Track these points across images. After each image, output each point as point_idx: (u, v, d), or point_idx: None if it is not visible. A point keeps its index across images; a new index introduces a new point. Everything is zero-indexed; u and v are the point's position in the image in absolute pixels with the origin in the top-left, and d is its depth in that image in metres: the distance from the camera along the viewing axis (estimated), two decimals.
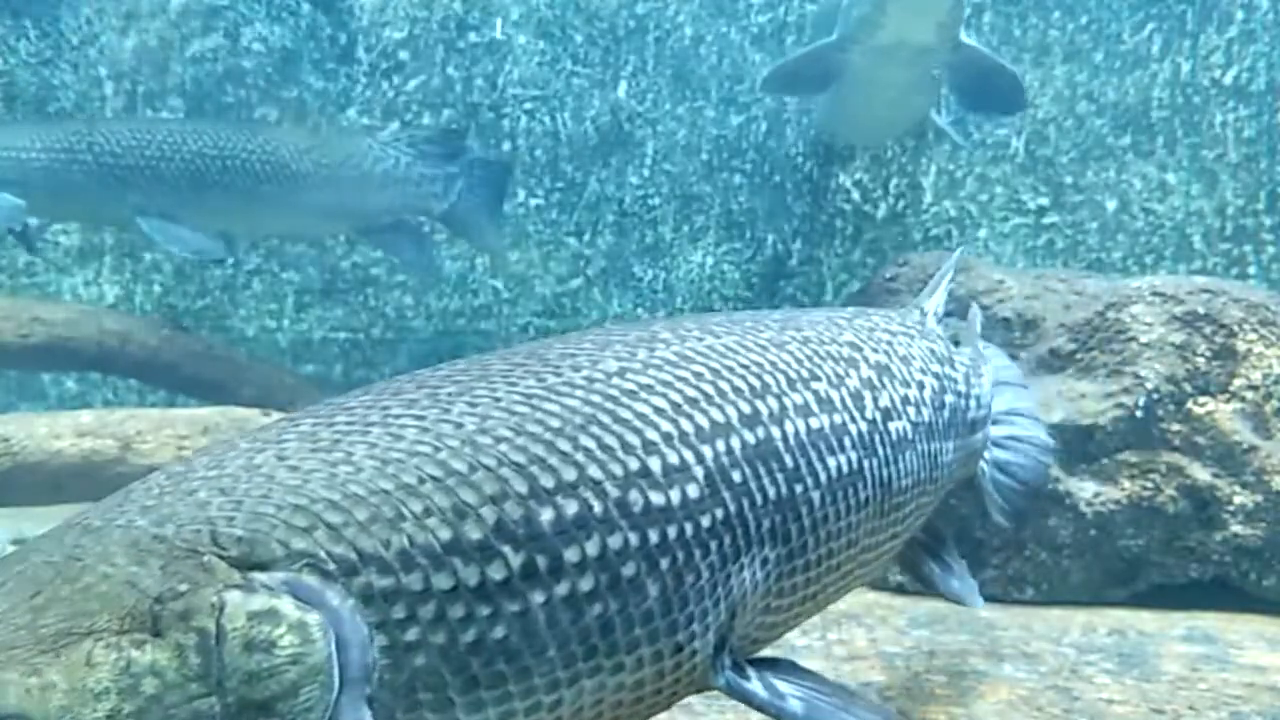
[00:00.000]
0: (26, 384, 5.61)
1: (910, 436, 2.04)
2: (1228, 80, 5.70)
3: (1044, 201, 5.76)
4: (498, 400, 1.51)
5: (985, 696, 2.72)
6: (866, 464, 1.89)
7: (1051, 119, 5.75)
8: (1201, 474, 3.73)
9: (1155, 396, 3.80)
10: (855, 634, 3.20)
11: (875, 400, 1.97)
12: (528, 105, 5.76)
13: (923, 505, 2.15)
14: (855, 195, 5.82)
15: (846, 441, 1.86)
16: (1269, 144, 5.69)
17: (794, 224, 5.82)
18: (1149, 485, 3.72)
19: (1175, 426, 3.79)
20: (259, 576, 1.25)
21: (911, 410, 2.07)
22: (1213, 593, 3.69)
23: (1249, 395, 3.84)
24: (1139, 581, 3.73)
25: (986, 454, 2.59)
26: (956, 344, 2.57)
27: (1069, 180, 5.76)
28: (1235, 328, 3.91)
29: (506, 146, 5.76)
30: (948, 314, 2.69)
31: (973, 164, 5.76)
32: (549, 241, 5.77)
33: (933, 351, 2.30)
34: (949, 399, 2.25)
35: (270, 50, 5.68)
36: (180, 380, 5.05)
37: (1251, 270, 5.68)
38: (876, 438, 1.93)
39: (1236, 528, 3.69)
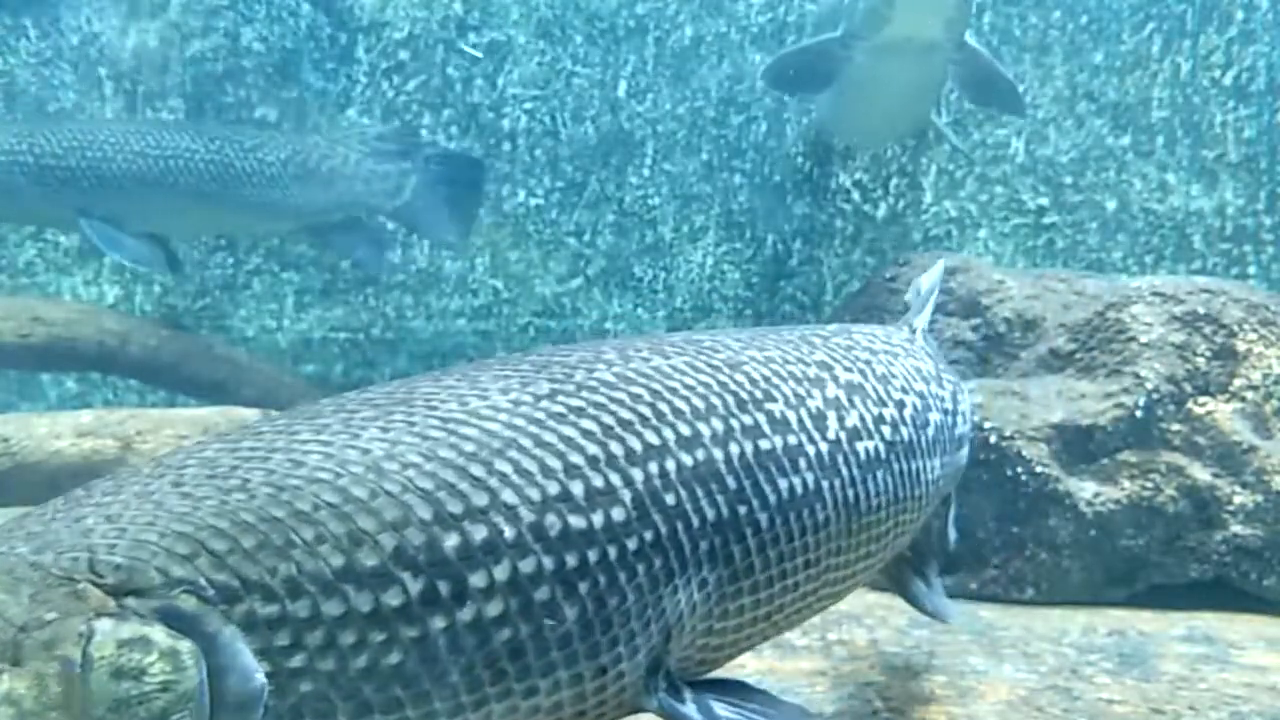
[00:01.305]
0: (26, 384, 5.61)
1: (884, 456, 2.04)
2: (1228, 80, 5.70)
3: (1044, 201, 5.76)
4: (412, 425, 1.52)
5: (985, 696, 2.72)
6: (827, 485, 1.89)
7: (1051, 119, 5.75)
8: (1201, 474, 3.73)
9: (1155, 396, 3.80)
10: (856, 634, 3.20)
11: (841, 420, 1.97)
12: (528, 105, 5.76)
13: (903, 524, 2.15)
14: (855, 195, 5.82)
15: (802, 462, 1.85)
16: (1269, 144, 5.69)
17: (794, 224, 5.82)
18: (1149, 485, 3.72)
19: (1175, 426, 3.79)
20: (133, 604, 1.26)
21: (887, 429, 2.07)
22: (1213, 593, 3.69)
23: (1249, 395, 3.84)
24: (1139, 581, 3.73)
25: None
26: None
27: (1069, 180, 5.76)
28: (1235, 328, 3.91)
29: (506, 147, 5.76)
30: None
31: (973, 164, 5.76)
32: (549, 241, 5.77)
33: (918, 370, 2.30)
34: (934, 417, 2.25)
35: (270, 50, 5.68)
36: (180, 380, 5.05)
37: (1251, 270, 5.68)
38: (840, 458, 1.93)
39: (1236, 528, 3.69)
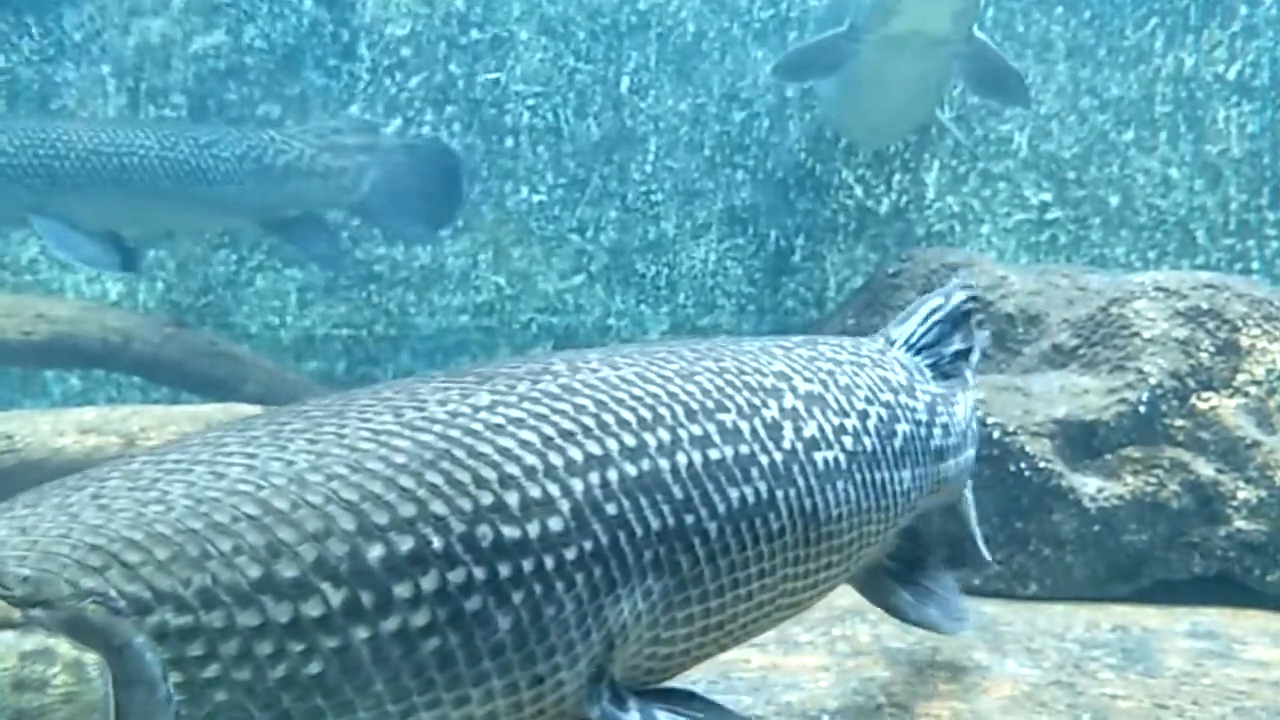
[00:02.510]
0: (30, 381, 5.61)
1: (846, 466, 2.05)
2: (1231, 75, 5.70)
3: (1047, 197, 5.76)
4: (342, 438, 1.53)
5: (989, 692, 2.72)
6: (781, 494, 1.90)
7: (1054, 114, 5.74)
8: (1205, 469, 3.73)
9: (1159, 392, 3.80)
10: (859, 629, 3.20)
11: (798, 430, 1.98)
12: (530, 101, 5.76)
13: (869, 534, 2.15)
14: (858, 191, 5.81)
15: (755, 472, 1.86)
16: (1272, 139, 5.69)
17: (797, 220, 5.82)
18: (1152, 481, 3.72)
19: (1179, 422, 3.79)
20: (39, 615, 1.27)
21: (848, 440, 2.08)
22: (1216, 588, 3.69)
23: (1252, 390, 3.84)
24: (1142, 577, 3.73)
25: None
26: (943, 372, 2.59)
27: (1072, 176, 5.75)
28: (1239, 323, 3.91)
29: (509, 143, 5.76)
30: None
31: (975, 160, 5.75)
32: (551, 238, 5.77)
33: (886, 381, 2.31)
34: (902, 428, 2.26)
35: (272, 47, 5.68)
36: (183, 377, 5.05)
37: (1255, 265, 5.67)
38: (796, 468, 1.94)
39: (1240, 523, 3.69)
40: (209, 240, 5.65)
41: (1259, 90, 5.70)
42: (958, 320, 2.71)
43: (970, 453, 2.62)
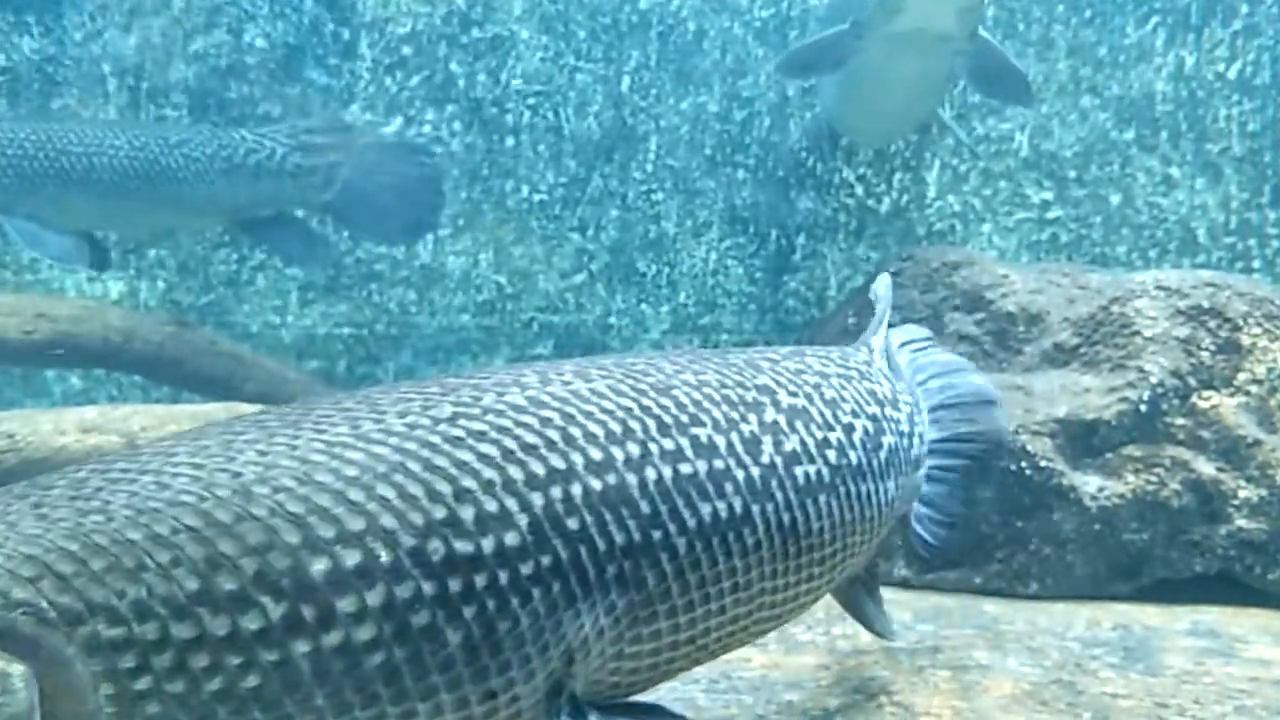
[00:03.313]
0: (31, 381, 5.62)
1: (829, 480, 2.04)
2: (1232, 74, 5.70)
3: (1048, 196, 5.76)
4: (293, 449, 1.52)
5: (990, 691, 2.72)
6: (758, 509, 1.88)
7: (1055, 113, 5.74)
8: (1206, 468, 3.73)
9: (1159, 390, 3.80)
10: (860, 629, 3.20)
11: (778, 445, 1.96)
12: (531, 101, 5.76)
13: (853, 546, 2.14)
14: (859, 190, 5.81)
15: (729, 487, 1.84)
16: (1273, 138, 5.68)
17: (798, 219, 5.81)
18: (1153, 479, 3.72)
19: (1179, 421, 3.79)
20: None
21: (832, 453, 2.06)
22: (1217, 587, 3.69)
23: (1253, 389, 3.84)
24: (1143, 576, 3.73)
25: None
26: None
27: (1073, 175, 5.75)
28: (1240, 322, 3.91)
29: (510, 142, 5.76)
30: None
31: (976, 159, 5.75)
32: (552, 237, 5.77)
33: (872, 393, 2.31)
34: (887, 440, 2.25)
35: (273, 46, 5.68)
36: (185, 376, 5.06)
37: (1256, 264, 5.67)
38: (775, 482, 1.92)
39: (1241, 522, 3.69)
40: (210, 239, 5.65)
41: (1260, 89, 5.69)
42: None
43: (926, 463, 2.60)
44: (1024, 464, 3.71)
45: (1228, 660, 3.03)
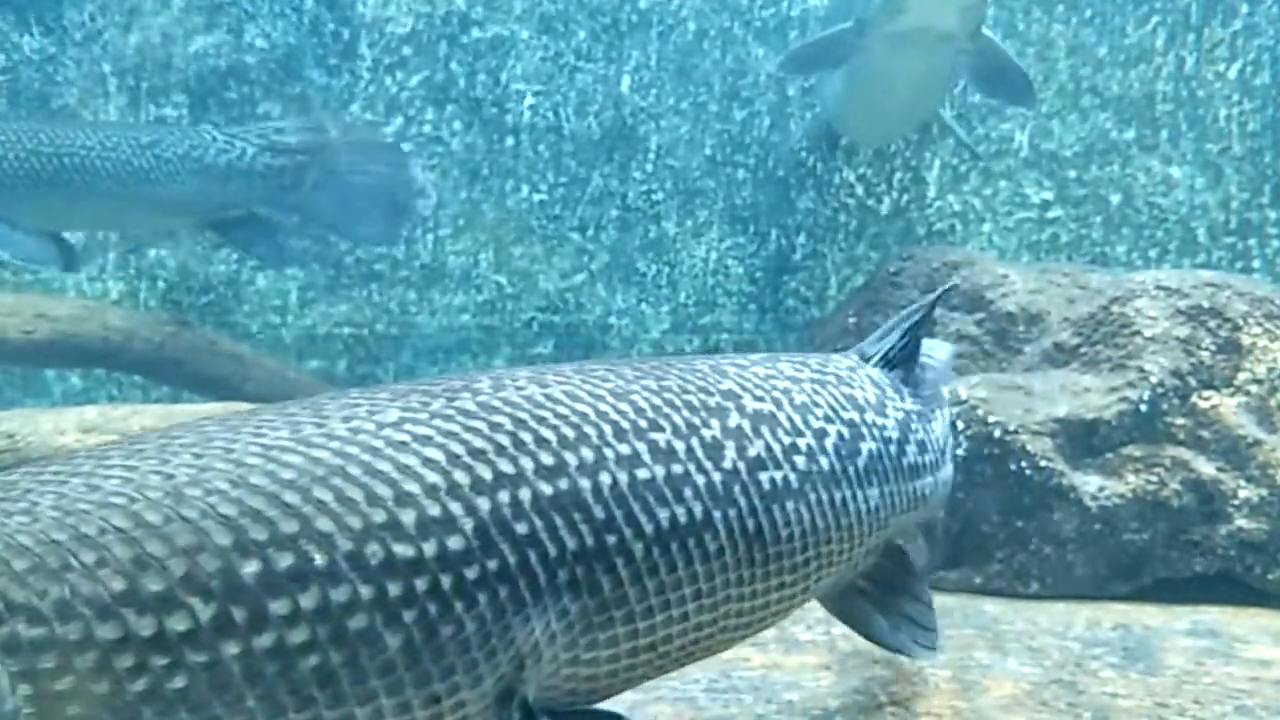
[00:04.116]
0: (31, 380, 5.62)
1: (797, 486, 2.02)
2: (1232, 74, 5.70)
3: (1048, 196, 5.76)
4: (229, 452, 1.51)
5: (990, 691, 2.72)
6: (720, 515, 1.87)
7: (1055, 113, 5.74)
8: (1206, 468, 3.73)
9: (1160, 390, 3.80)
10: None
11: (742, 449, 1.95)
12: (531, 101, 5.76)
13: (830, 555, 2.11)
14: (859, 190, 5.81)
15: (689, 492, 1.83)
16: (1273, 138, 5.68)
17: (798, 219, 5.82)
18: (1153, 479, 3.72)
19: (1180, 420, 3.79)
20: None
21: (801, 459, 2.04)
22: (1218, 587, 3.69)
23: (1254, 389, 3.84)
24: (1143, 575, 3.73)
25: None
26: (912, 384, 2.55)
27: (1073, 175, 5.75)
28: (1240, 321, 3.91)
29: (510, 142, 5.76)
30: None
31: (978, 159, 5.75)
32: (552, 236, 5.77)
33: (851, 398, 2.28)
34: (868, 446, 2.22)
35: (273, 46, 5.68)
36: (184, 376, 5.06)
37: (1256, 264, 5.67)
38: (737, 487, 1.91)
39: (1241, 521, 3.69)
40: (210, 239, 5.66)
41: (1260, 89, 5.70)
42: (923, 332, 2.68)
43: (949, 469, 2.58)
44: (1024, 464, 3.71)
45: (1228, 660, 3.03)
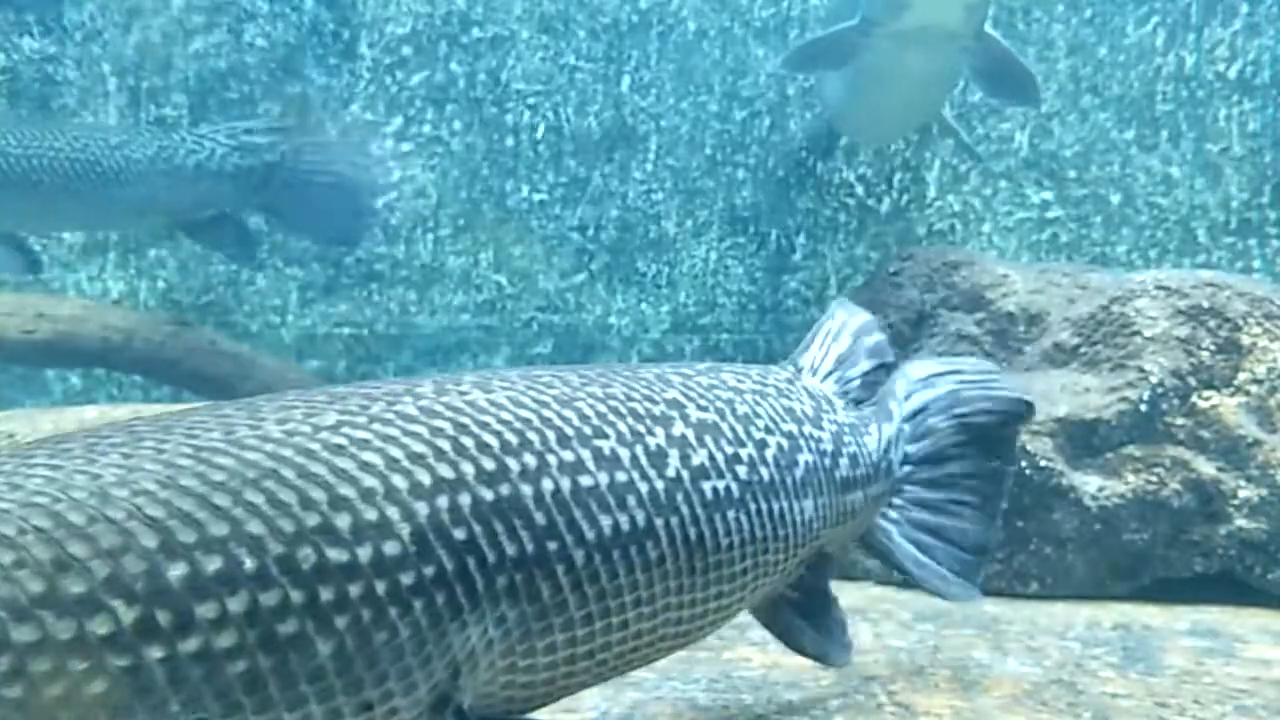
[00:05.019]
0: (31, 380, 5.62)
1: (739, 496, 2.01)
2: (1232, 74, 5.70)
3: (1048, 196, 5.76)
4: (159, 453, 1.48)
5: (990, 691, 2.72)
6: (662, 522, 1.86)
7: (1055, 113, 5.74)
8: (1206, 468, 3.73)
9: (1160, 390, 3.80)
10: (860, 628, 3.20)
11: (685, 458, 1.94)
12: (531, 100, 5.76)
13: (766, 564, 2.12)
14: (859, 190, 5.82)
15: (631, 500, 1.82)
16: (1273, 137, 5.69)
17: (797, 219, 5.82)
18: (1153, 479, 3.72)
19: (1180, 420, 3.79)
20: None
21: (742, 469, 2.04)
22: (1218, 586, 3.69)
23: (1254, 389, 3.84)
24: (1143, 575, 3.73)
25: (891, 513, 2.58)
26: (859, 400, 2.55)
27: (1073, 174, 5.75)
28: (1240, 321, 3.91)
29: (510, 142, 5.76)
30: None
31: (979, 159, 5.75)
32: (552, 236, 5.77)
33: (790, 410, 2.28)
34: (804, 458, 2.23)
35: (273, 46, 5.68)
36: (184, 376, 5.06)
37: (1256, 264, 5.67)
38: (680, 496, 1.90)
39: (1241, 521, 3.69)
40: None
41: (1260, 88, 5.70)
42: (861, 340, 2.65)
43: (882, 485, 2.55)
44: (1024, 464, 3.72)
45: (1228, 660, 3.03)
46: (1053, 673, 2.86)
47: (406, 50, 5.72)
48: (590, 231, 5.78)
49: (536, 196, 5.77)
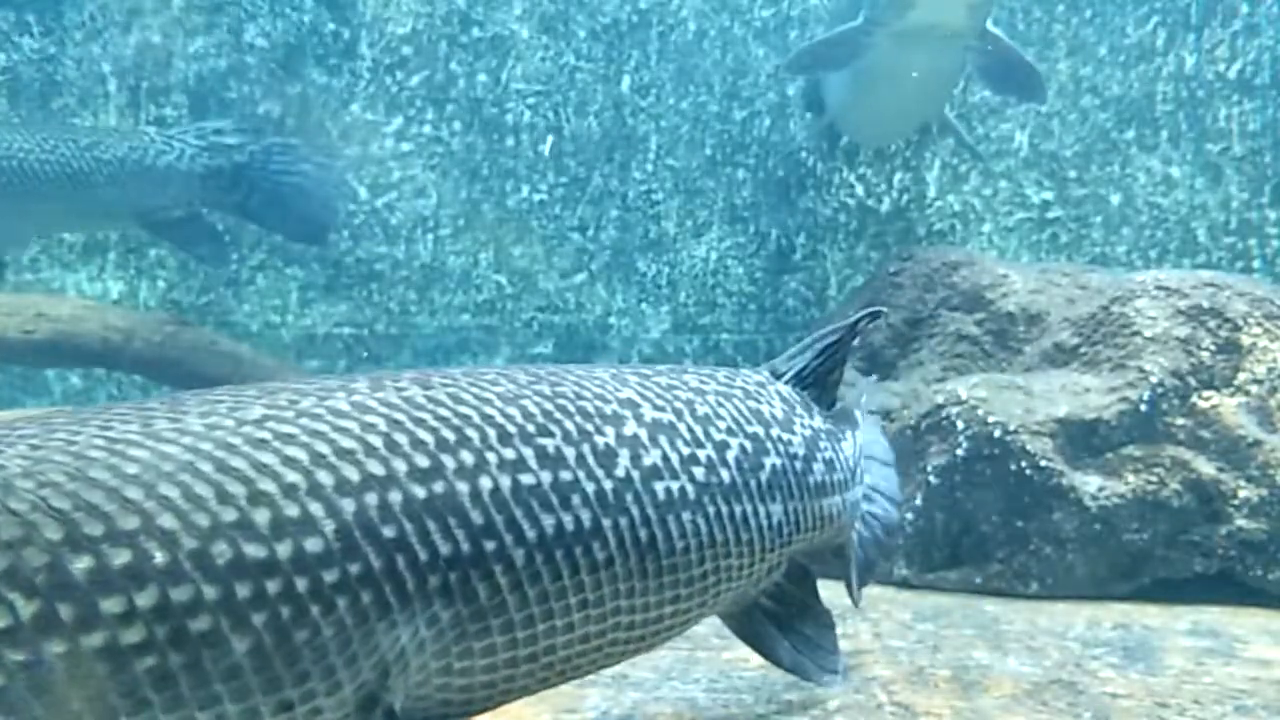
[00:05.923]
0: (31, 380, 5.62)
1: (695, 497, 1.97)
2: (1232, 74, 5.70)
3: (1048, 196, 5.76)
4: (71, 444, 1.45)
5: (990, 690, 2.72)
6: (610, 523, 1.82)
7: (1055, 113, 5.74)
8: (1206, 468, 3.73)
9: (1160, 390, 3.80)
10: (860, 628, 3.20)
11: (636, 459, 1.90)
12: (531, 100, 5.76)
13: (729, 570, 2.07)
14: (859, 190, 5.81)
15: (576, 499, 1.78)
16: (1273, 138, 5.68)
17: (798, 218, 5.82)
18: (1153, 479, 3.72)
19: (1180, 420, 3.79)
20: None
21: (699, 470, 2.00)
22: (1217, 586, 3.69)
23: (1253, 389, 3.84)
24: (1143, 575, 3.73)
25: (858, 524, 2.55)
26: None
27: (1073, 175, 5.75)
28: (1240, 321, 3.91)
29: (510, 142, 5.76)
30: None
31: (980, 159, 5.75)
32: (552, 236, 5.77)
33: (757, 413, 2.24)
34: (771, 461, 2.18)
35: (273, 46, 5.68)
36: (185, 376, 5.05)
37: (1256, 264, 5.67)
38: (630, 496, 1.86)
39: (1241, 521, 3.69)
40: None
41: (1260, 89, 5.70)
42: (842, 355, 2.63)
43: (858, 491, 2.53)
44: (1024, 464, 3.72)
45: (1228, 660, 3.03)
46: (1053, 673, 2.86)
47: (406, 50, 5.72)
48: (590, 231, 5.78)
49: (536, 196, 5.77)
